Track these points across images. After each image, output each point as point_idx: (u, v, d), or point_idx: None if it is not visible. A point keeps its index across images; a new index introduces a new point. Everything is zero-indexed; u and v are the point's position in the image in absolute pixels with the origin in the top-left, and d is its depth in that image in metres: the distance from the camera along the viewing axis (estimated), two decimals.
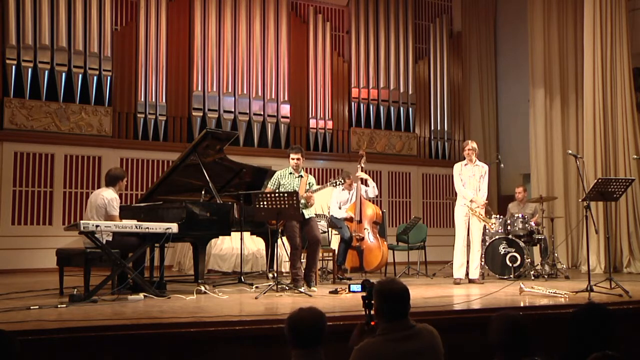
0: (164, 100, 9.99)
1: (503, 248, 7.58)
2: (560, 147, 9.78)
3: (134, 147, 9.74)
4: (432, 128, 12.28)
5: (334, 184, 6.42)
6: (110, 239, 5.42)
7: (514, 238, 7.61)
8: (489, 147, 12.30)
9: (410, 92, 12.00)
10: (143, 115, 9.81)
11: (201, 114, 10.15)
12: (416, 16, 12.41)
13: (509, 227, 7.82)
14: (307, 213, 6.18)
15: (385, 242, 7.69)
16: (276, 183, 6.31)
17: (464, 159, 7.26)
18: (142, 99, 9.82)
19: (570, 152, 6.69)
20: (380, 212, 7.86)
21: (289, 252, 6.38)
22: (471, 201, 7.03)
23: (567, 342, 2.85)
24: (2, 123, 8.87)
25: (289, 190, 5.93)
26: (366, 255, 7.51)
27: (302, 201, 6.02)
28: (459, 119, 12.52)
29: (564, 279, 7.38)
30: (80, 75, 9.37)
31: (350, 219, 7.56)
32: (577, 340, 2.81)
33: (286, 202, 5.50)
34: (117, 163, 9.34)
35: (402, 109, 11.91)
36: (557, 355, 2.91)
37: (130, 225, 5.34)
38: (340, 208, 7.75)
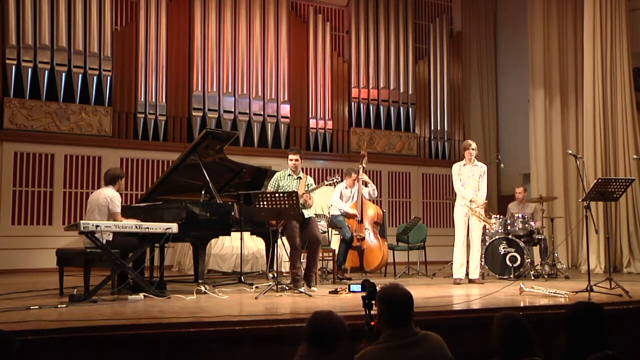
0: (164, 100, 10.00)
1: (503, 248, 7.57)
2: (560, 147, 9.78)
3: (134, 147, 9.74)
4: (432, 128, 12.28)
5: (331, 183, 6.39)
6: (110, 239, 5.43)
7: (514, 238, 7.60)
8: (489, 147, 12.30)
9: (410, 92, 12.00)
10: (143, 115, 9.81)
11: (201, 114, 10.15)
12: (416, 16, 12.41)
13: (509, 227, 7.82)
14: (307, 213, 6.19)
15: (385, 243, 7.68)
16: (275, 185, 6.32)
17: (464, 158, 7.25)
18: (142, 99, 9.83)
19: (570, 152, 6.67)
20: (381, 213, 7.86)
21: (289, 252, 6.38)
22: (471, 201, 7.03)
23: (567, 342, 2.86)
24: (2, 123, 8.87)
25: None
26: (366, 255, 7.50)
27: (300, 201, 6.01)
28: (459, 119, 12.53)
29: (564, 279, 7.38)
30: (80, 75, 9.37)
31: (354, 216, 7.55)
32: (572, 339, 2.82)
33: (286, 202, 5.50)
34: (117, 163, 9.35)
35: (402, 109, 11.91)
36: (557, 355, 2.92)
37: (130, 225, 5.35)
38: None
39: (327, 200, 8.08)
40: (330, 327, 2.69)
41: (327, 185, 6.40)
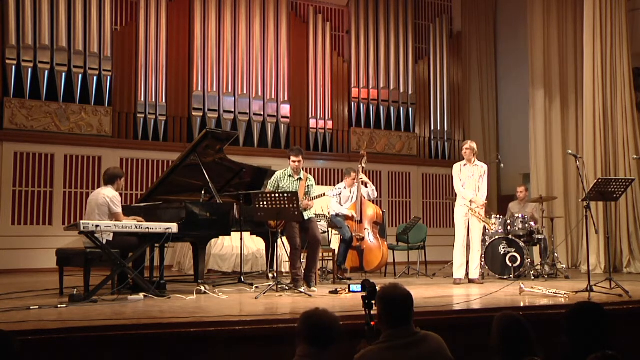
0: (164, 100, 9.99)
1: (503, 248, 7.57)
2: (560, 147, 9.78)
3: (134, 147, 9.74)
4: (432, 128, 12.28)
5: (332, 195, 6.49)
6: (110, 238, 5.43)
7: (514, 238, 7.60)
8: (489, 147, 12.30)
9: (410, 92, 12.00)
10: (143, 115, 9.81)
11: (201, 114, 10.15)
12: (416, 16, 12.41)
13: (509, 227, 7.82)
14: (307, 214, 6.18)
15: (385, 242, 7.68)
16: (275, 184, 6.32)
17: (464, 159, 7.26)
18: (142, 99, 9.82)
19: (570, 152, 6.68)
20: (381, 213, 7.85)
21: (289, 252, 6.38)
22: (471, 201, 7.03)
23: (568, 342, 2.85)
24: (2, 123, 8.87)
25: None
26: (366, 255, 7.50)
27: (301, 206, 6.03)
28: (459, 119, 12.52)
29: (564, 279, 7.38)
30: (80, 75, 9.37)
31: (352, 218, 7.56)
32: (573, 339, 2.81)
33: (286, 202, 5.50)
34: (117, 163, 9.34)
35: (402, 109, 11.91)
36: (557, 355, 2.92)
37: (130, 225, 5.35)
38: (341, 205, 7.73)
39: (327, 201, 8.08)
40: (324, 323, 2.68)
41: (328, 195, 6.48)
